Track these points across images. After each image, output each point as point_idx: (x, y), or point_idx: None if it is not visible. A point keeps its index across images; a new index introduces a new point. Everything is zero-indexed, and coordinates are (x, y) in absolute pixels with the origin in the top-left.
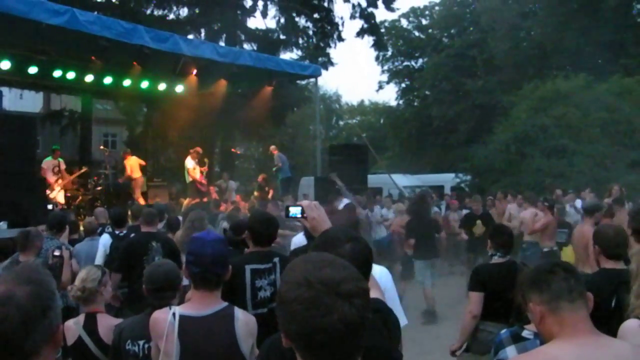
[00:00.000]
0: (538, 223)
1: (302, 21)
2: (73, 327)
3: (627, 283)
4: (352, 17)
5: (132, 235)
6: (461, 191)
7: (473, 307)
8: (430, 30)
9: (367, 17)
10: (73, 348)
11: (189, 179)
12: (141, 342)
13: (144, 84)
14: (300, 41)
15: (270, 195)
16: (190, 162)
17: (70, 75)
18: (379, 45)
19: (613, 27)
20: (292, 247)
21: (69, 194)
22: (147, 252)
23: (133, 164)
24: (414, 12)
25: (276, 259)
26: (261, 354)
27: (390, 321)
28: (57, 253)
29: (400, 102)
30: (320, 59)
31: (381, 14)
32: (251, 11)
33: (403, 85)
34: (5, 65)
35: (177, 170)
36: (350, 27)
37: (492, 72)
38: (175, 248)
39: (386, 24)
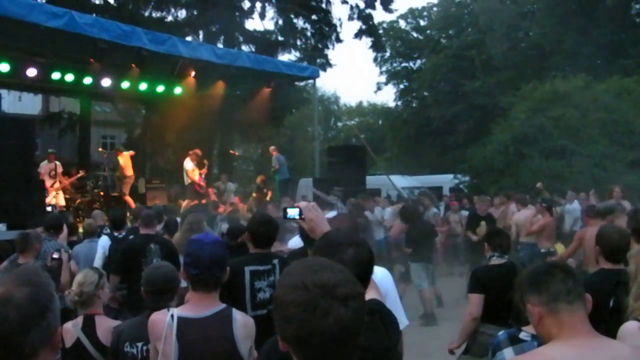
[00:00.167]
0: (535, 225)
1: (300, 22)
2: (71, 330)
3: (625, 283)
4: (350, 18)
5: (131, 237)
6: (460, 192)
7: (473, 308)
8: (428, 31)
9: (365, 18)
10: (71, 350)
11: (187, 181)
12: (139, 344)
13: (143, 86)
14: (299, 43)
15: (268, 197)
16: (189, 164)
17: (69, 77)
18: (377, 47)
19: (611, 27)
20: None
21: (67, 196)
22: (145, 254)
23: (126, 160)
24: (412, 13)
25: (276, 261)
26: (262, 356)
27: (389, 322)
28: (55, 255)
29: (399, 103)
30: (318, 60)
31: (379, 15)
32: (249, 13)
33: (401, 86)
34: (4, 67)
35: (175, 172)
36: (349, 28)
37: (490, 73)
38: (173, 250)
39: (384, 25)
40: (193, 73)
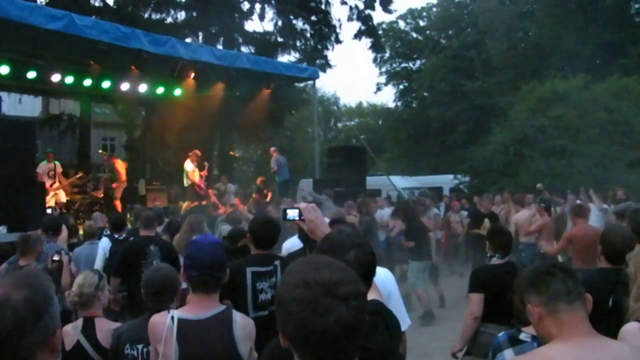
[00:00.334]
0: (534, 225)
1: (299, 24)
2: (71, 332)
3: (625, 283)
4: (350, 19)
5: (131, 239)
6: (460, 192)
7: (474, 308)
8: (427, 32)
9: (365, 19)
10: (71, 353)
11: (187, 182)
12: (140, 346)
13: (142, 88)
14: (298, 44)
15: (268, 198)
16: (189, 165)
17: (69, 79)
18: (376, 47)
19: (611, 27)
20: (284, 251)
21: (67, 198)
22: (145, 256)
23: (121, 167)
24: (412, 14)
25: (277, 262)
26: (263, 358)
27: (390, 323)
28: (56, 257)
29: (399, 103)
30: (318, 61)
31: (378, 15)
32: (249, 14)
33: (401, 86)
34: (4, 70)
35: (175, 173)
36: (348, 29)
37: (490, 73)
38: (173, 251)
39: (384, 25)
40: (193, 74)
